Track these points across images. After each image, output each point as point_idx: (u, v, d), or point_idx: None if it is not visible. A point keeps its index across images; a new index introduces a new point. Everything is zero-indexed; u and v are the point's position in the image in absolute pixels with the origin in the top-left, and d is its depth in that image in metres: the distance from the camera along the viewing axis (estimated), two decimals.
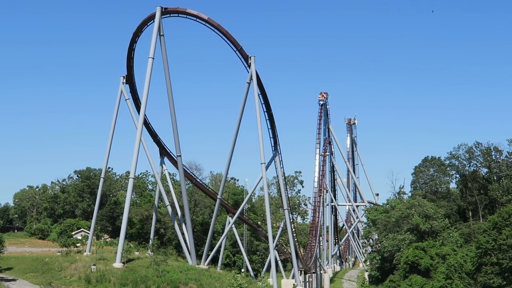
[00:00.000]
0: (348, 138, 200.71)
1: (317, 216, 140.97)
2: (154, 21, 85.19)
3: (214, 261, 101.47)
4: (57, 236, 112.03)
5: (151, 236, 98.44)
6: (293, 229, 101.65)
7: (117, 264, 75.16)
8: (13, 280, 70.88)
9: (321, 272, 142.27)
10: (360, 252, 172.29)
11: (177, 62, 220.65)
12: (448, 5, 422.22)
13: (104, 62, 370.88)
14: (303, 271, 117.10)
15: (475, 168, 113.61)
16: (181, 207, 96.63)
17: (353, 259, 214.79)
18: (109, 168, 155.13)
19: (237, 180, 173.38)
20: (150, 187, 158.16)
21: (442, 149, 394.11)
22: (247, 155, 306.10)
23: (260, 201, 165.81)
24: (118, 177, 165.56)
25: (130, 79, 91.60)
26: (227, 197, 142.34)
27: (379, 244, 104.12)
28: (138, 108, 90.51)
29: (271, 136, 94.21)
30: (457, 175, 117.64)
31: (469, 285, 72.96)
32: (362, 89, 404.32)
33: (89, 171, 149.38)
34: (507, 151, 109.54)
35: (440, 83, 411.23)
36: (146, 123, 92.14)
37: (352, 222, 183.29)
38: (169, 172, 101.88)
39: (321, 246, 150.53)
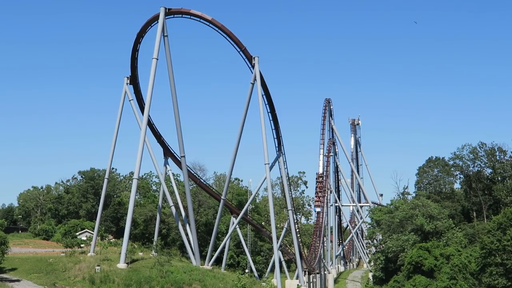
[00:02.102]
0: (352, 138, 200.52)
1: (321, 216, 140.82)
2: (158, 22, 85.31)
3: (218, 261, 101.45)
4: (61, 236, 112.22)
5: (155, 236, 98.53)
6: (297, 230, 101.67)
7: (121, 265, 75.25)
8: (17, 280, 71.11)
9: (325, 272, 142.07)
10: (364, 253, 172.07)
11: (181, 63, 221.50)
12: (452, 4, 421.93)
13: (108, 63, 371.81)
14: (307, 272, 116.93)
15: (479, 169, 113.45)
16: (185, 208, 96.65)
17: (357, 260, 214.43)
18: (113, 168, 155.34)
19: (241, 181, 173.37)
20: (154, 187, 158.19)
21: (446, 150, 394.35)
22: (251, 155, 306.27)
23: (264, 201, 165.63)
24: (122, 177, 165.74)
25: (134, 80, 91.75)
26: (231, 198, 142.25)
27: (383, 245, 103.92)
28: (142, 108, 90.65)
29: (275, 136, 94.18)
30: (461, 176, 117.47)
31: (474, 286, 72.84)
32: (366, 89, 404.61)
33: (93, 172, 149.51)
34: (511, 152, 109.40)
35: (444, 83, 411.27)
36: (150, 124, 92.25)
37: (356, 222, 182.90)
38: (173, 173, 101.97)
39: (325, 247, 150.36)
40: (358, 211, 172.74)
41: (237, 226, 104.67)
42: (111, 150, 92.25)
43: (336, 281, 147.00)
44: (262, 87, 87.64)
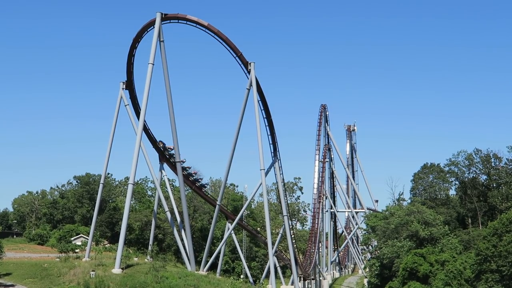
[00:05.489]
0: (348, 144, 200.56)
1: (316, 222, 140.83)
2: (154, 27, 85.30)
3: (213, 267, 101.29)
4: (56, 241, 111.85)
5: (150, 242, 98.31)
6: (293, 236, 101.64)
7: (116, 270, 75.03)
8: (12, 285, 71.03)
9: (321, 278, 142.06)
10: (359, 259, 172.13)
11: (177, 68, 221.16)
12: (448, 10, 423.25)
13: (104, 68, 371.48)
14: (302, 278, 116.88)
15: (474, 175, 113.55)
16: (180, 213, 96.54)
17: (352, 266, 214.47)
18: (108, 173, 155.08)
19: (237, 186, 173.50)
20: (149, 193, 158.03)
21: (441, 156, 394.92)
22: (246, 161, 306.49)
23: (260, 207, 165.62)
24: (117, 182, 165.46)
25: (130, 85, 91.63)
26: (226, 203, 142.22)
27: (378, 251, 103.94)
28: (137, 113, 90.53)
29: (271, 142, 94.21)
30: (457, 182, 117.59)
31: None
32: (362, 95, 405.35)
33: (89, 177, 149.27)
34: (507, 158, 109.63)
35: (440, 89, 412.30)
36: (145, 129, 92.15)
37: (352, 228, 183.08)
38: (168, 178, 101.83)
39: (320, 253, 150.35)
40: (353, 217, 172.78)
41: (233, 231, 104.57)
42: (107, 155, 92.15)
43: (331, 287, 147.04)
44: (258, 93, 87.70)
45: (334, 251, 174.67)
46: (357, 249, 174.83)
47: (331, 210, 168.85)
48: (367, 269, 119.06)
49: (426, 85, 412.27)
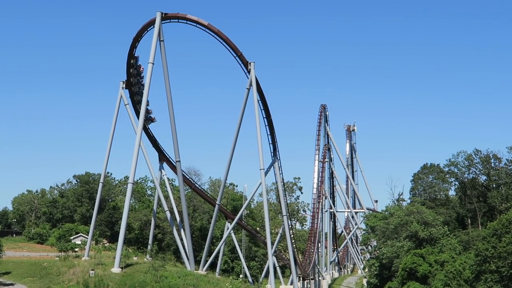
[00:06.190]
0: (348, 144, 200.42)
1: (316, 222, 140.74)
2: (154, 27, 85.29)
3: (212, 266, 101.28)
4: (56, 240, 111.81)
5: (150, 241, 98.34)
6: (292, 235, 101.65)
7: (116, 269, 75.06)
8: (11, 284, 71.06)
9: (320, 278, 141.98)
10: (358, 259, 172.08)
11: (177, 67, 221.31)
12: (447, 10, 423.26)
13: (104, 67, 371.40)
14: (301, 278, 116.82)
15: (474, 176, 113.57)
16: (180, 213, 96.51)
17: (351, 266, 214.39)
18: (108, 173, 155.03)
19: (236, 186, 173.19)
20: (149, 192, 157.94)
21: (441, 156, 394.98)
22: (246, 160, 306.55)
23: (259, 207, 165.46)
24: (117, 182, 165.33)
25: (129, 84, 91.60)
26: (226, 203, 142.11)
27: (377, 251, 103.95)
28: (137, 113, 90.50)
29: (271, 142, 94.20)
30: (456, 182, 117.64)
31: None
32: (362, 95, 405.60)
33: (88, 176, 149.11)
34: (506, 159, 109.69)
35: (440, 90, 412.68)
36: (145, 128, 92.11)
37: (351, 228, 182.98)
38: (168, 178, 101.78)
39: (319, 253, 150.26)
40: (353, 217, 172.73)
41: (232, 231, 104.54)
42: (107, 154, 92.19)
43: (330, 287, 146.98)
44: (258, 93, 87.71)
45: (334, 251, 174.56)
46: (356, 249, 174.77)
47: (331, 210, 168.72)
48: (366, 269, 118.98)
49: (426, 85, 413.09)
